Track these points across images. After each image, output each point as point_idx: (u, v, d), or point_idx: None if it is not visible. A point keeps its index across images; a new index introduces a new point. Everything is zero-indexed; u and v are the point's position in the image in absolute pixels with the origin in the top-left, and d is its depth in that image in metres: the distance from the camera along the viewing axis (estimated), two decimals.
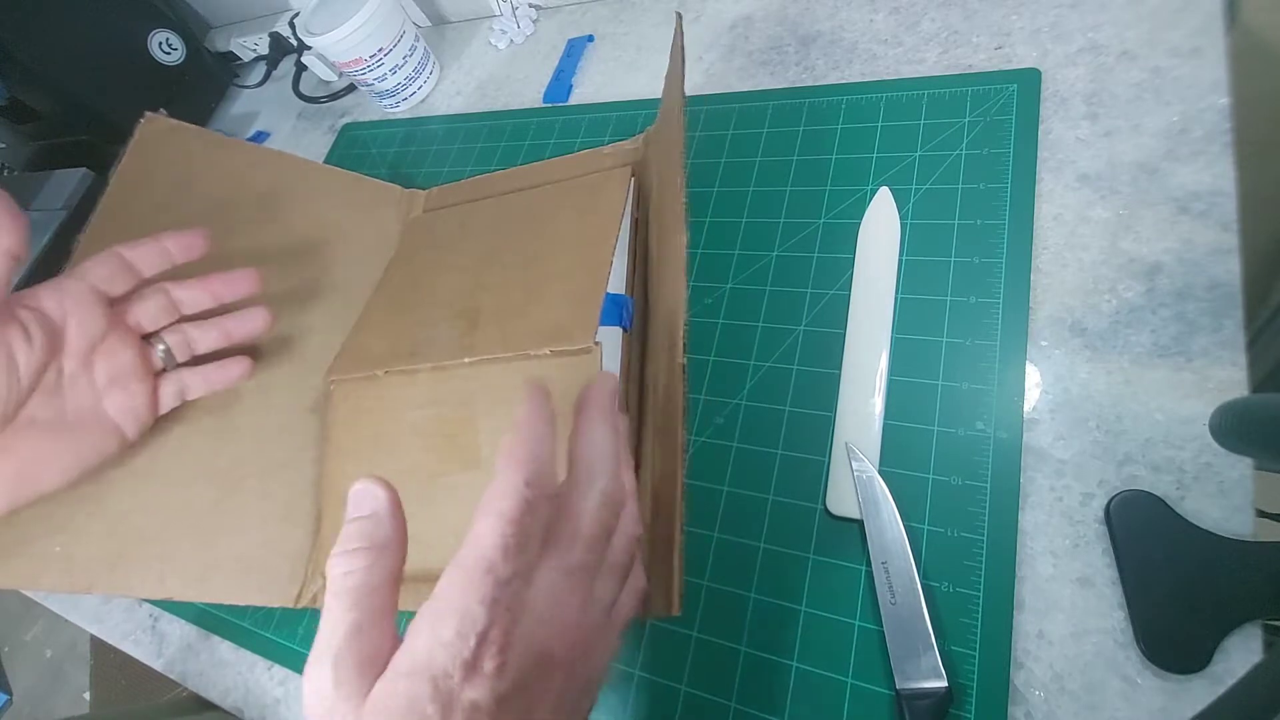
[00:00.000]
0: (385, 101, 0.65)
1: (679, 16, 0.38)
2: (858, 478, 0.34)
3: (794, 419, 0.38)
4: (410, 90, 0.65)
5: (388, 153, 0.63)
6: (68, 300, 0.34)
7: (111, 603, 0.50)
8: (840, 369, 0.38)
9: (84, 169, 0.65)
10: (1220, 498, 0.30)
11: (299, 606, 0.40)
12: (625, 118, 0.54)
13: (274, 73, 0.79)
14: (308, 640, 0.42)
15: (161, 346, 0.38)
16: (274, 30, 0.77)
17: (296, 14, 0.76)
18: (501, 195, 0.51)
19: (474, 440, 0.38)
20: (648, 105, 0.53)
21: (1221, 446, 0.25)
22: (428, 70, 0.65)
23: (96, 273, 0.35)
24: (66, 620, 0.52)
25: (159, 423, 0.39)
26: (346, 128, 0.68)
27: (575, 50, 0.61)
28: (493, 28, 0.66)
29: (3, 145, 0.77)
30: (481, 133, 0.59)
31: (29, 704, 1.64)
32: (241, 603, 0.40)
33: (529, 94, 0.61)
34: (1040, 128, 0.40)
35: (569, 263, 0.41)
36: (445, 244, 0.49)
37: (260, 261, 0.46)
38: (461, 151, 0.59)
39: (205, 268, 0.43)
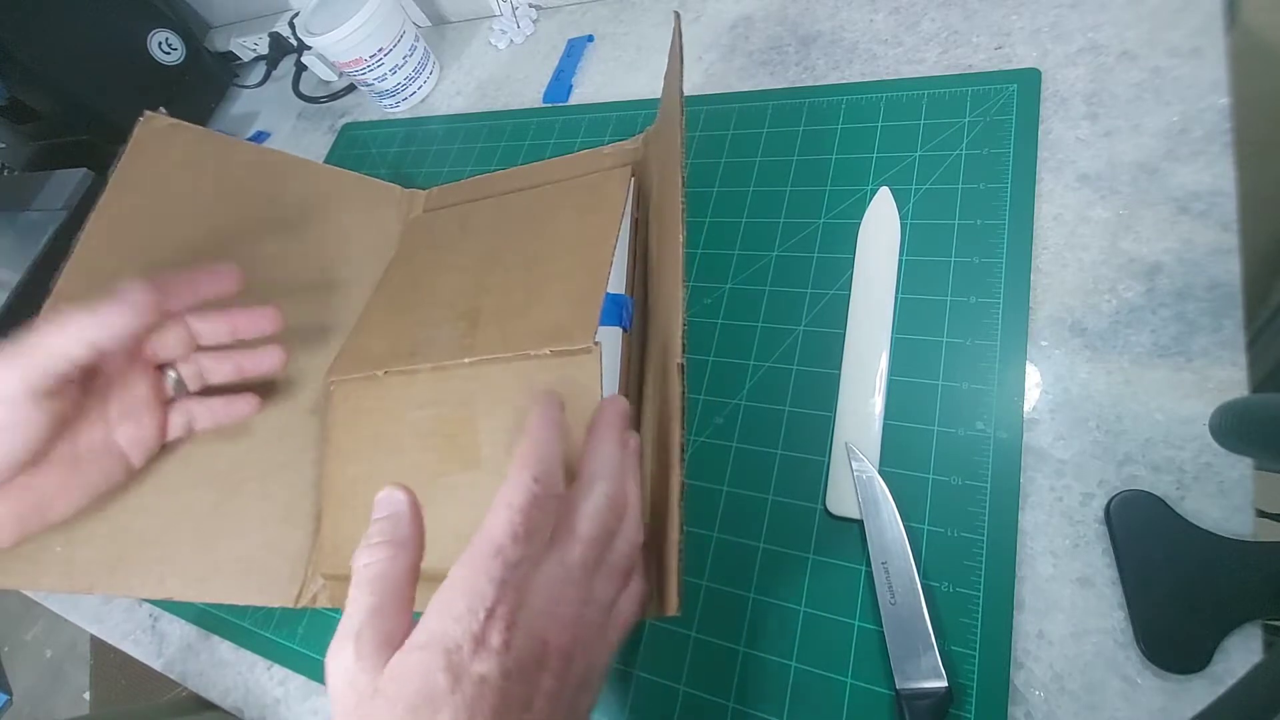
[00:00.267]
0: (385, 101, 0.65)
1: (677, 16, 0.38)
2: (858, 478, 0.34)
3: (794, 419, 0.38)
4: (410, 90, 0.65)
5: (388, 153, 0.63)
6: None
7: (111, 603, 0.50)
8: (840, 369, 0.38)
9: (84, 169, 0.65)
10: (1220, 498, 0.30)
11: (299, 607, 0.40)
12: (625, 118, 0.54)
13: (274, 73, 0.79)
14: (308, 640, 0.42)
15: (173, 375, 0.38)
16: (274, 30, 0.77)
17: (296, 14, 0.76)
18: (501, 195, 0.51)
19: (474, 440, 0.38)
20: (648, 105, 0.53)
21: (1221, 446, 0.25)
22: (428, 70, 0.65)
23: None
24: (66, 620, 0.52)
25: None
26: (346, 128, 0.68)
27: (575, 50, 0.61)
28: (493, 28, 0.66)
29: (3, 145, 0.77)
30: (481, 133, 0.59)
31: (29, 704, 1.64)
32: (241, 603, 0.40)
33: (529, 94, 0.61)
34: (1040, 128, 0.40)
35: (569, 263, 0.41)
36: (445, 244, 0.49)
37: (259, 261, 0.46)
38: (461, 151, 0.59)
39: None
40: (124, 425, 0.36)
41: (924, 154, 0.42)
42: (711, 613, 0.35)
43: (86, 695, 1.61)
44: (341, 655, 0.23)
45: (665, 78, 0.43)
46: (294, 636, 0.42)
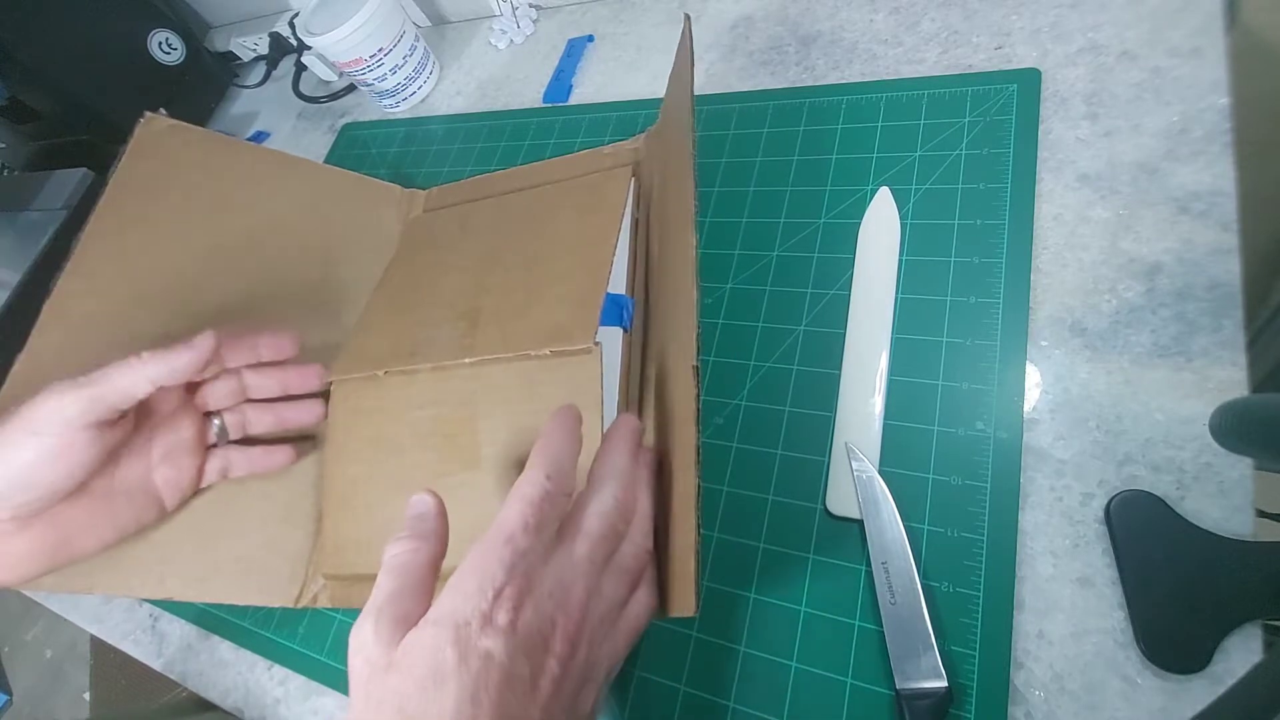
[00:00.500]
0: (385, 101, 0.65)
1: (688, 18, 0.38)
2: (858, 478, 0.34)
3: (794, 419, 0.38)
4: (410, 90, 0.65)
5: (388, 153, 0.63)
6: None
7: (111, 603, 0.50)
8: (840, 369, 0.38)
9: (84, 169, 0.65)
10: (1220, 498, 0.30)
11: (299, 607, 0.40)
12: (625, 118, 0.54)
13: (274, 73, 0.79)
14: (308, 640, 0.42)
15: (218, 423, 0.39)
16: (274, 30, 0.77)
17: (296, 14, 0.76)
18: (501, 195, 0.51)
19: (474, 440, 0.38)
20: (648, 105, 0.53)
21: (1221, 446, 0.25)
22: (428, 70, 0.65)
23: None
24: (66, 620, 0.52)
25: None
26: (346, 128, 0.68)
27: (575, 50, 0.61)
28: (493, 28, 0.66)
29: (3, 145, 0.77)
30: (481, 133, 0.59)
31: (29, 704, 1.64)
32: (241, 603, 0.40)
33: (529, 94, 0.61)
34: (1040, 128, 0.40)
35: (569, 263, 0.41)
36: (445, 244, 0.49)
37: (259, 261, 0.46)
38: (461, 151, 0.59)
39: (213, 277, 0.44)
40: (163, 467, 0.37)
41: (924, 154, 0.42)
42: (711, 613, 0.35)
43: (86, 695, 1.61)
44: (361, 631, 0.24)
45: (672, 79, 0.43)
46: (294, 636, 0.42)
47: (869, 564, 0.33)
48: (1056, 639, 0.30)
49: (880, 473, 0.34)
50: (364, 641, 0.24)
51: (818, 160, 0.45)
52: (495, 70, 0.64)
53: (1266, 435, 0.22)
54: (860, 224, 0.41)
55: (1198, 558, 0.29)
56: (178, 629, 0.47)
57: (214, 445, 0.39)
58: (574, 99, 0.58)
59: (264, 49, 0.79)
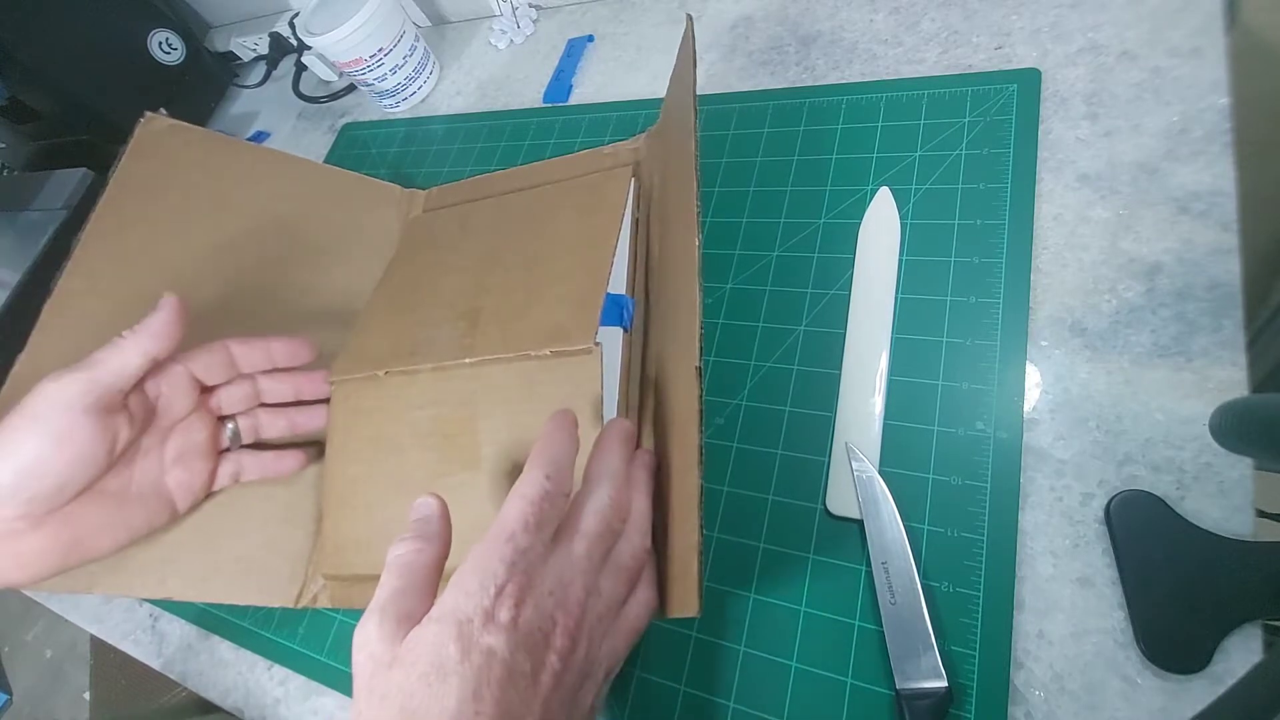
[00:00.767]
0: (385, 101, 0.65)
1: (690, 19, 0.38)
2: (858, 478, 0.34)
3: (794, 419, 0.38)
4: (410, 90, 0.65)
5: (388, 153, 0.63)
6: (165, 382, 0.36)
7: (111, 603, 0.50)
8: (840, 369, 0.38)
9: (84, 169, 0.65)
10: (1220, 498, 0.30)
11: (299, 607, 0.40)
12: (625, 118, 0.54)
13: (274, 73, 0.79)
14: (308, 640, 0.42)
15: (231, 427, 0.39)
16: (274, 30, 0.77)
17: (296, 14, 0.76)
18: (501, 195, 0.51)
19: (474, 440, 0.38)
20: (648, 105, 0.53)
21: (1221, 446, 0.25)
22: (428, 70, 0.65)
23: (201, 360, 0.37)
24: (66, 620, 0.52)
25: None
26: (346, 128, 0.68)
27: (575, 50, 0.61)
28: (493, 28, 0.66)
29: (3, 145, 0.77)
30: (481, 133, 0.59)
31: (29, 704, 1.64)
32: (242, 603, 0.40)
33: (529, 94, 0.61)
34: (1040, 128, 0.40)
35: (569, 263, 0.41)
36: (445, 244, 0.49)
37: (260, 262, 0.46)
38: (461, 151, 0.59)
39: (213, 277, 0.44)
40: (176, 469, 0.37)
41: (924, 154, 0.42)
42: (712, 613, 0.35)
43: (86, 695, 1.61)
44: (365, 629, 0.25)
45: (674, 79, 0.43)
46: (294, 637, 0.42)
47: (869, 564, 0.33)
48: (1056, 639, 0.30)
49: (880, 473, 0.34)
50: (368, 638, 0.24)
51: (818, 160, 0.45)
52: (495, 70, 0.64)
53: (1266, 435, 0.22)
54: (860, 224, 0.41)
55: (1198, 558, 0.29)
56: (178, 629, 0.47)
57: (227, 449, 0.40)
58: (574, 99, 0.58)
59: (264, 49, 0.79)
